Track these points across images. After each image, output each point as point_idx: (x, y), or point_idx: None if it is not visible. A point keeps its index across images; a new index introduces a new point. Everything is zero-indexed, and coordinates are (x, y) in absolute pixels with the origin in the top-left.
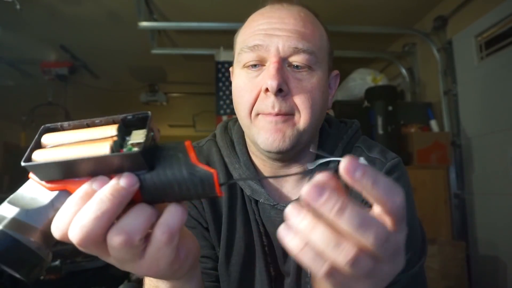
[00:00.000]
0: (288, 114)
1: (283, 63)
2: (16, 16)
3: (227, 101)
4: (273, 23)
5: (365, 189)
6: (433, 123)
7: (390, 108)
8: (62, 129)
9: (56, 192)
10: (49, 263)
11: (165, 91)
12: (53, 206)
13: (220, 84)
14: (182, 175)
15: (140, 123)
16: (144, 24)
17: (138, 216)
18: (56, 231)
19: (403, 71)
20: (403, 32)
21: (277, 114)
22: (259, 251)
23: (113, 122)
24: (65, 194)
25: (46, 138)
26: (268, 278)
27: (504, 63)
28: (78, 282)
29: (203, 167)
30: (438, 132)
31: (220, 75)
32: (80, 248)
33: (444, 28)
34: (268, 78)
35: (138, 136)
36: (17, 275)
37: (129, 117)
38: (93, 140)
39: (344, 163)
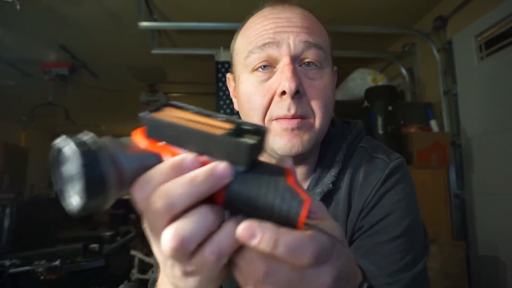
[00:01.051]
0: (303, 117)
1: (295, 63)
2: (16, 16)
3: (227, 101)
4: (280, 22)
5: (266, 252)
6: (433, 123)
7: (390, 108)
8: (185, 109)
9: (151, 153)
10: (103, 209)
11: (165, 91)
12: (144, 162)
13: (220, 84)
14: (274, 188)
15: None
16: (144, 24)
17: (201, 220)
18: (140, 189)
19: (403, 71)
20: (403, 32)
21: (293, 117)
22: None
23: (232, 123)
24: (158, 158)
25: (168, 109)
26: None
27: (504, 63)
28: (78, 282)
29: (299, 191)
30: (438, 132)
31: (220, 75)
32: (147, 215)
33: (444, 28)
34: (285, 80)
35: (250, 139)
36: (75, 198)
37: (247, 126)
38: (210, 125)
39: (240, 229)
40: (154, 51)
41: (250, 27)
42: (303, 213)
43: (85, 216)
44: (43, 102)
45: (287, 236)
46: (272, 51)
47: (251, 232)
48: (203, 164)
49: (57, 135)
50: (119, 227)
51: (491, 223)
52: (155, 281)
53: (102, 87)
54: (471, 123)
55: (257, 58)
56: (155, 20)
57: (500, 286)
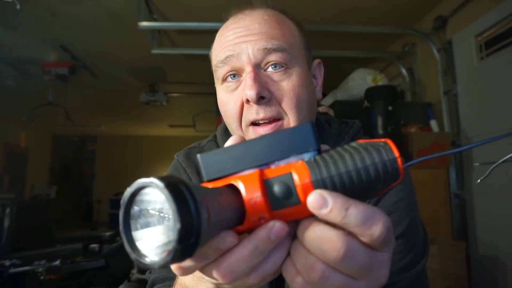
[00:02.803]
0: (276, 119)
1: (258, 70)
2: (16, 16)
3: None
4: (239, 32)
5: (336, 223)
6: (433, 123)
7: (390, 108)
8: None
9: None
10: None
11: (165, 91)
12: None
13: None
14: (357, 152)
15: None
16: (144, 24)
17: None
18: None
19: (403, 71)
20: (403, 32)
21: (263, 119)
22: None
23: None
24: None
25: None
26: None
27: (504, 63)
28: (78, 282)
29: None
30: (438, 132)
31: None
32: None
33: (444, 28)
34: (246, 89)
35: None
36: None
37: None
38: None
39: (310, 198)
40: (154, 51)
41: (216, 41)
42: (397, 155)
43: (85, 216)
44: (43, 102)
45: (359, 204)
46: (234, 63)
47: (323, 200)
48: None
49: (57, 135)
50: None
51: (491, 223)
52: (154, 283)
53: (102, 87)
54: (471, 123)
55: (222, 71)
56: (155, 20)
57: (500, 286)
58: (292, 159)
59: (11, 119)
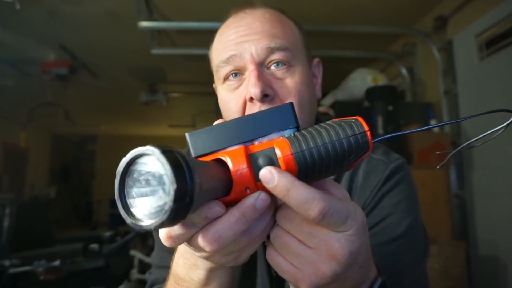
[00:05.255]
0: None
1: (261, 68)
2: (16, 16)
3: None
4: (241, 31)
5: (280, 198)
6: (433, 123)
7: (390, 108)
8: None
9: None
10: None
11: (165, 91)
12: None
13: None
14: (329, 126)
15: None
16: (144, 24)
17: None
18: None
19: (403, 71)
20: (403, 32)
21: None
22: (260, 251)
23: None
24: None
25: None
26: (269, 279)
27: (504, 63)
28: (78, 282)
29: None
30: (438, 132)
31: None
32: (191, 244)
33: (444, 28)
34: (250, 86)
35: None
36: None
37: None
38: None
39: (262, 172)
40: (154, 51)
41: (217, 40)
42: (367, 129)
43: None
44: (43, 102)
45: (301, 187)
46: (237, 63)
47: (271, 175)
48: (263, 146)
49: (57, 135)
50: (119, 227)
51: (491, 223)
52: (153, 283)
53: (102, 87)
54: (471, 123)
55: (225, 71)
56: (155, 20)
57: (500, 286)
58: (274, 136)
59: (11, 119)
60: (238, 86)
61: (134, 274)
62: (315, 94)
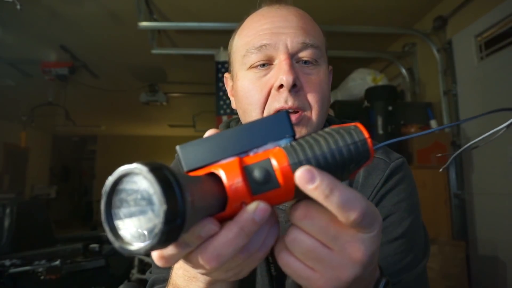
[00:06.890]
0: (300, 110)
1: (292, 59)
2: (16, 16)
3: (227, 101)
4: (276, 21)
5: (318, 201)
6: (433, 123)
7: (390, 108)
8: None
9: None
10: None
11: (165, 91)
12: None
13: (220, 84)
14: (328, 135)
15: None
16: (144, 24)
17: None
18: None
19: (403, 71)
20: (403, 32)
21: (290, 108)
22: None
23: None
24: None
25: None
26: (269, 278)
27: (504, 63)
28: (78, 282)
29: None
30: (438, 132)
31: (220, 75)
32: (190, 261)
33: (444, 28)
34: (282, 74)
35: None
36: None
37: None
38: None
39: (298, 172)
40: (154, 51)
41: (248, 26)
42: (367, 136)
43: (85, 216)
44: (43, 102)
45: (343, 186)
46: (270, 52)
47: (311, 175)
48: (259, 156)
49: (57, 135)
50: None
51: (491, 223)
52: (154, 283)
53: (102, 87)
54: (471, 123)
55: (255, 58)
56: (155, 20)
57: (500, 286)
58: (269, 146)
59: (11, 119)
60: (265, 75)
61: (134, 274)
62: (330, 97)
